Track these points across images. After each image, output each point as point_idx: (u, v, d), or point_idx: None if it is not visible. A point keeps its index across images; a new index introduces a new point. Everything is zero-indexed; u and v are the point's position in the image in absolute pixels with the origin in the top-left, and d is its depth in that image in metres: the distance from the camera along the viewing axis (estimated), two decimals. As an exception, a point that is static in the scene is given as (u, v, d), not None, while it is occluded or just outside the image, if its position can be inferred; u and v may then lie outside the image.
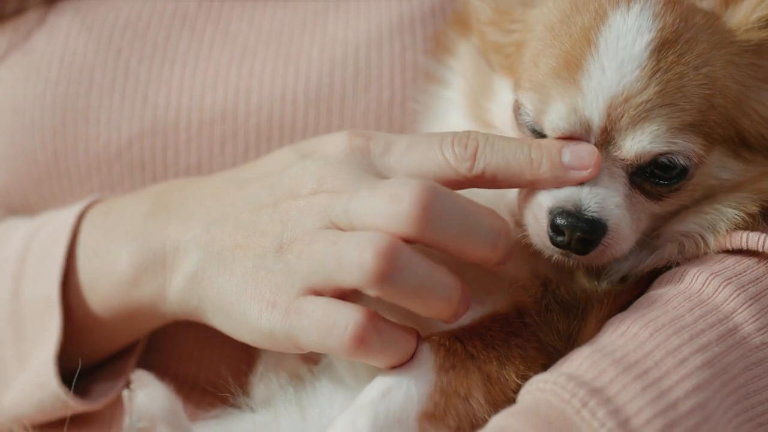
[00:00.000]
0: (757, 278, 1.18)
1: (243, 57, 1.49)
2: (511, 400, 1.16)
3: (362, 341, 1.13)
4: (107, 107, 1.49)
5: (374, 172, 1.21)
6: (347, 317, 1.13)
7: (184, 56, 1.50)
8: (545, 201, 1.20)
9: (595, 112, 1.17)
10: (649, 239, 1.24)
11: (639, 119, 1.16)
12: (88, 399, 1.38)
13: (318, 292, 1.16)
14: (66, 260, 1.37)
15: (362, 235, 1.12)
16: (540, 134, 1.22)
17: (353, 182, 1.18)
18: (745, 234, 1.20)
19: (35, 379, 1.36)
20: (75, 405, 1.36)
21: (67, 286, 1.38)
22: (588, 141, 1.19)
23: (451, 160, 1.18)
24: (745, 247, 1.20)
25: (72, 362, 1.37)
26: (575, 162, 1.18)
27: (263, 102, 1.48)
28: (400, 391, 1.14)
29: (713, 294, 1.17)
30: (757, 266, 1.20)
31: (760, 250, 1.19)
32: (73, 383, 1.36)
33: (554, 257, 1.21)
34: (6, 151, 1.51)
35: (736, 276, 1.18)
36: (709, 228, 1.22)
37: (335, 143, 1.23)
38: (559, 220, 1.18)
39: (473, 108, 1.35)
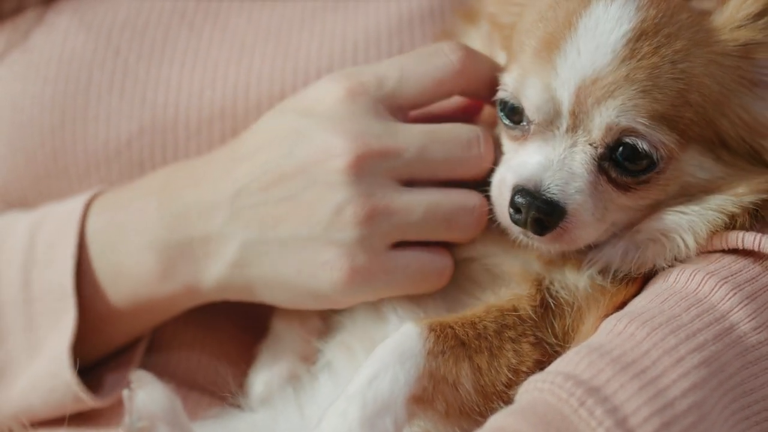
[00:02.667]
0: (753, 277, 1.19)
1: (242, 54, 1.49)
2: (501, 393, 1.18)
3: (447, 279, 1.29)
4: (106, 105, 1.49)
5: (381, 108, 1.27)
6: (441, 263, 1.28)
7: (182, 54, 1.50)
8: (510, 178, 1.22)
9: (565, 93, 1.18)
10: (627, 233, 1.24)
11: (605, 97, 1.17)
12: (98, 393, 1.38)
13: (396, 245, 1.27)
14: (77, 251, 1.38)
15: (459, 195, 1.27)
16: (518, 110, 1.23)
17: (378, 127, 1.25)
18: (741, 234, 1.20)
19: (47, 368, 1.37)
20: (85, 398, 1.36)
21: (81, 279, 1.39)
22: (558, 126, 1.20)
23: (449, 73, 1.28)
24: (741, 247, 1.20)
25: (83, 356, 1.37)
26: None
27: (262, 99, 1.47)
28: (387, 376, 1.15)
29: (709, 293, 1.17)
30: (753, 266, 1.20)
31: (756, 249, 1.19)
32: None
33: (523, 240, 1.23)
34: (5, 149, 1.51)
35: (732, 275, 1.18)
36: (689, 229, 1.22)
37: (330, 93, 1.27)
38: (518, 198, 1.20)
39: None
